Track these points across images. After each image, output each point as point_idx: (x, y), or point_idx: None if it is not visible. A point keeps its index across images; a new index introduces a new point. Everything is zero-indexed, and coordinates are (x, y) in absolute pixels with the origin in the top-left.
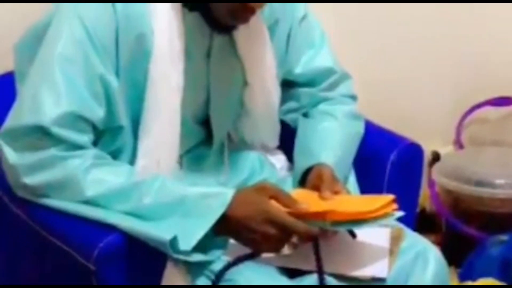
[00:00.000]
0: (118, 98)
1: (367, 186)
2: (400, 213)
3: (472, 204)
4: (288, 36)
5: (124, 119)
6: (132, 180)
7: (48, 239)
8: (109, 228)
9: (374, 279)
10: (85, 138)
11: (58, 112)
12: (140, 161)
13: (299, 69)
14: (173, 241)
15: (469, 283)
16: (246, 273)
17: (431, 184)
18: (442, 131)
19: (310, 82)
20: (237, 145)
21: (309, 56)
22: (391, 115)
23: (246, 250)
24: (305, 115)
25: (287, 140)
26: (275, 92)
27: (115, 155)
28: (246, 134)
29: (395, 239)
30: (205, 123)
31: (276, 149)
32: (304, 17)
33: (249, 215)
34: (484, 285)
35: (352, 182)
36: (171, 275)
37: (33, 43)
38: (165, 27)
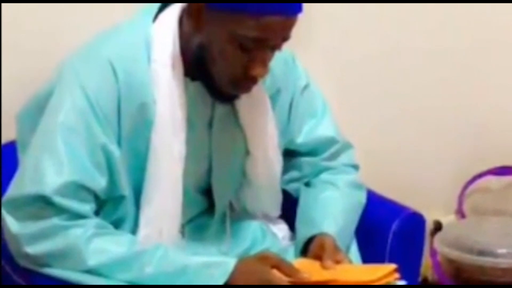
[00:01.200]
0: (120, 167)
1: (369, 255)
2: (402, 283)
3: (474, 274)
4: (290, 105)
5: (126, 189)
6: (134, 250)
7: None
8: None
9: None
10: (87, 207)
11: (60, 181)
12: (142, 230)
13: (301, 138)
14: None
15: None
16: None
17: (433, 253)
18: (444, 200)
19: (312, 152)
20: (239, 214)
21: (311, 126)
22: (392, 184)
23: None
24: (307, 184)
25: (289, 209)
26: (277, 161)
27: (117, 224)
28: (248, 203)
29: None
30: (207, 192)
31: (278, 219)
32: (306, 87)
33: (251, 284)
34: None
35: (354, 252)
36: None
37: (35, 112)
38: (167, 97)
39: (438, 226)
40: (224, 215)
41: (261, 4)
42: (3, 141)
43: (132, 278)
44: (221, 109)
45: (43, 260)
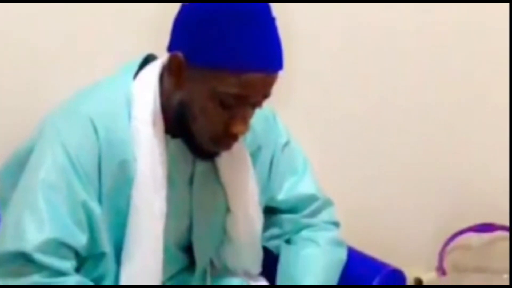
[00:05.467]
0: (101, 225)
1: None
2: None
3: None
4: (271, 162)
5: (106, 246)
6: None
7: None
8: None
9: None
10: (68, 264)
11: (41, 238)
12: None
13: (282, 195)
14: None
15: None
16: None
17: None
18: (424, 257)
19: (293, 209)
20: (219, 271)
21: (292, 183)
22: (373, 241)
23: None
24: (288, 241)
25: (269, 266)
26: (258, 219)
27: (98, 281)
28: (229, 261)
29: None
30: (188, 249)
31: (258, 276)
32: (286, 144)
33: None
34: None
35: None
36: None
37: (15, 169)
38: (148, 154)
39: (418, 283)
40: (204, 272)
41: (242, 61)
42: None
43: None
44: (201, 166)
45: None
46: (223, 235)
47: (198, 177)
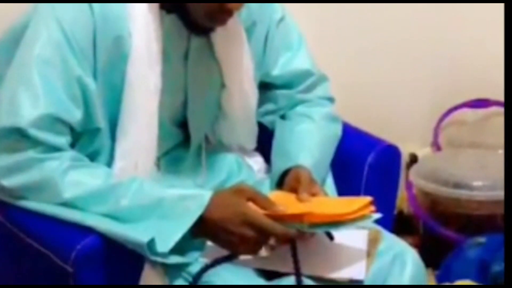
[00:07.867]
0: (96, 100)
1: (345, 188)
2: (377, 215)
3: (449, 206)
4: (266, 38)
5: (101, 121)
6: (110, 182)
7: (26, 241)
8: (87, 230)
9: (352, 281)
10: (63, 140)
11: (36, 114)
12: (118, 163)
13: (277, 71)
14: (151, 243)
15: (447, 284)
16: (224, 275)
17: (409, 186)
18: (419, 133)
19: (288, 84)
20: (214, 147)
21: (287, 58)
22: (368, 117)
23: (224, 252)
24: (283, 117)
25: (264, 142)
26: (253, 94)
27: (92, 157)
28: (224, 136)
29: (373, 241)
30: (183, 125)
31: (253, 151)
32: (281, 19)
33: (226, 217)
34: (464, 285)
35: (329, 184)
36: (149, 277)
37: (10, 45)
38: (143, 30)
39: (413, 159)
40: (199, 148)
41: None
42: None
43: (108, 211)
44: (196, 41)
45: (18, 192)
46: (218, 111)
47: (193, 53)
